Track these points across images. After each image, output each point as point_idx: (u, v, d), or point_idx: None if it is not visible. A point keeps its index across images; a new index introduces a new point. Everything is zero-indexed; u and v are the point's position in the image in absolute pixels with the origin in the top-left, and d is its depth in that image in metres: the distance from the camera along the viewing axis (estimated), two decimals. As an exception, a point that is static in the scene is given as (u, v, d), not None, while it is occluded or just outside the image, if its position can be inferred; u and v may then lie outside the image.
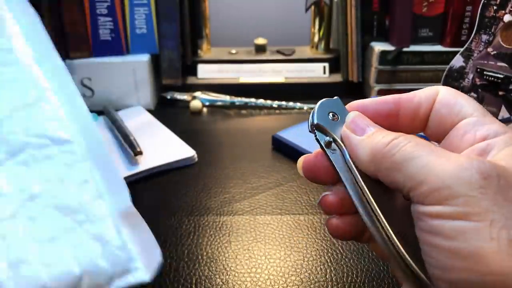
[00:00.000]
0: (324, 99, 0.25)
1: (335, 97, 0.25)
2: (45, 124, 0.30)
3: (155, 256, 0.29)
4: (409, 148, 0.20)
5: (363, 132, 0.22)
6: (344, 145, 0.23)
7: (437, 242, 0.18)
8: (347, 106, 0.25)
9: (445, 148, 0.22)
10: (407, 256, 0.20)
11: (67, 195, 0.28)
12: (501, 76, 0.53)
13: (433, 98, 0.23)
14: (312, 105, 0.66)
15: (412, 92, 0.24)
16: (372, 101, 0.24)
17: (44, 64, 0.32)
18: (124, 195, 0.30)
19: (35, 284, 0.24)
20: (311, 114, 0.25)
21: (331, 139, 0.24)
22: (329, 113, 0.24)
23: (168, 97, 0.70)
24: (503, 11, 0.53)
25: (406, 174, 0.19)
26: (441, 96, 0.23)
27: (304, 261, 0.36)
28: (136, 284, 0.27)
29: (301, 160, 0.25)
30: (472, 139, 0.21)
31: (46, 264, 0.25)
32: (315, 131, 0.24)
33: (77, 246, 0.26)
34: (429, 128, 0.23)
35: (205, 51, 0.76)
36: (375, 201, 0.21)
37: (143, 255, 0.28)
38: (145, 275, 0.27)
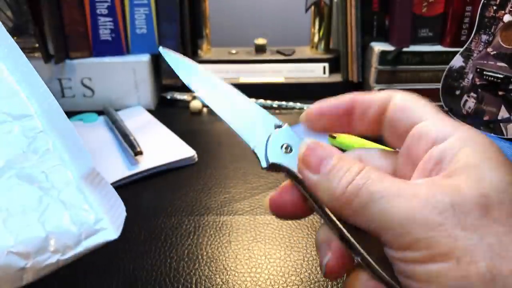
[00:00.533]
0: (273, 132, 0.23)
1: (285, 125, 0.24)
2: (3, 102, 0.31)
3: (121, 213, 0.30)
4: (365, 190, 0.19)
5: (318, 168, 0.21)
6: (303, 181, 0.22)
7: (411, 285, 0.18)
8: (308, 110, 0.24)
9: (406, 156, 0.21)
10: (390, 279, 0.19)
11: (30, 165, 0.29)
12: (501, 76, 0.53)
13: (386, 101, 0.22)
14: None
15: (369, 93, 0.24)
16: (329, 104, 0.24)
17: None
18: (86, 159, 0.31)
19: (1, 250, 0.24)
20: (260, 152, 0.23)
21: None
22: (281, 146, 0.23)
23: (168, 97, 0.70)
24: (503, 11, 0.53)
25: (368, 219, 0.19)
26: (395, 101, 0.22)
27: (304, 261, 0.36)
28: (104, 243, 0.28)
29: (267, 200, 0.24)
30: (425, 145, 0.20)
31: (12, 232, 0.25)
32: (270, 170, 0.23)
33: (44, 212, 0.27)
34: (385, 132, 0.23)
35: (205, 51, 0.76)
36: (348, 231, 0.20)
37: (109, 214, 0.29)
38: (112, 233, 0.28)
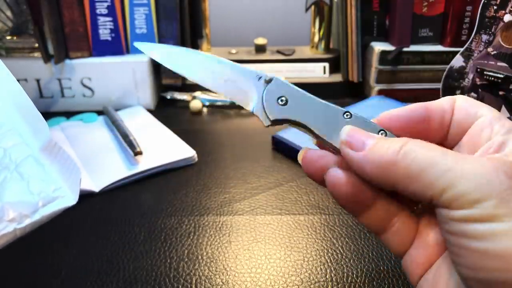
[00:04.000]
0: (265, 88, 0.24)
1: (274, 78, 0.24)
2: None
3: (78, 179, 0.30)
4: (422, 154, 0.19)
5: (363, 145, 0.21)
6: (347, 162, 0.22)
7: (467, 243, 0.18)
8: (378, 119, 0.24)
9: (464, 144, 0.23)
10: None
11: None
12: (501, 76, 0.53)
13: (452, 104, 0.23)
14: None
15: (434, 101, 0.24)
16: (404, 110, 0.24)
17: None
18: (44, 130, 0.31)
19: None
20: (260, 112, 0.24)
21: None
22: (277, 100, 0.24)
23: (168, 97, 0.70)
24: (503, 11, 0.53)
25: (426, 182, 0.19)
26: (459, 103, 0.23)
27: (304, 261, 0.36)
28: (63, 210, 0.28)
29: (300, 155, 0.24)
30: (489, 134, 0.21)
31: None
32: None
33: (1, 185, 0.27)
34: (450, 135, 0.24)
35: (205, 51, 0.76)
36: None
37: (68, 182, 0.30)
38: (71, 200, 0.29)
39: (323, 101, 0.24)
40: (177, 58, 0.25)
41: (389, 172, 0.20)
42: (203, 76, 0.25)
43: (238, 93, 0.24)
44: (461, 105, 0.23)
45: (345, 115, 0.23)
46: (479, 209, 0.17)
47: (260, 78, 0.24)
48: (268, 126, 0.24)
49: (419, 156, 0.19)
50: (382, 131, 0.23)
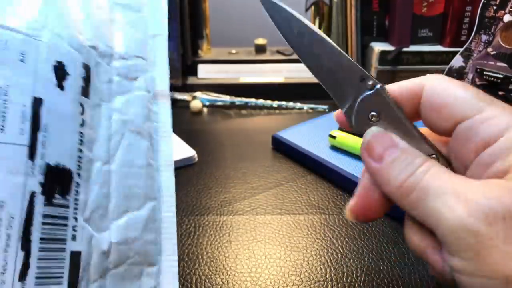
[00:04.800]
0: (363, 94, 0.23)
1: (377, 87, 0.22)
2: None
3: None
4: (423, 184, 0.19)
5: (381, 158, 0.21)
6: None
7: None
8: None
9: (454, 157, 0.21)
10: None
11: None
12: (501, 76, 0.53)
13: (417, 90, 0.22)
14: (312, 106, 0.66)
15: (400, 83, 0.23)
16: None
17: None
18: None
19: None
20: (350, 117, 0.23)
21: None
22: (369, 114, 0.22)
23: (168, 97, 0.70)
24: (503, 11, 0.53)
25: (423, 214, 0.19)
26: (426, 97, 0.22)
27: (304, 261, 0.36)
28: None
29: (348, 211, 0.23)
30: (474, 147, 0.20)
31: None
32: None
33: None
34: (425, 121, 0.22)
35: (205, 51, 0.76)
36: None
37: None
38: None
39: (418, 131, 0.22)
40: (293, 28, 0.25)
41: (393, 194, 0.20)
42: (313, 58, 0.25)
43: (335, 85, 0.24)
44: (430, 101, 0.21)
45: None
46: (463, 261, 0.17)
47: (363, 80, 0.23)
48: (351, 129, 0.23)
49: (418, 188, 0.19)
50: (434, 155, 0.22)
